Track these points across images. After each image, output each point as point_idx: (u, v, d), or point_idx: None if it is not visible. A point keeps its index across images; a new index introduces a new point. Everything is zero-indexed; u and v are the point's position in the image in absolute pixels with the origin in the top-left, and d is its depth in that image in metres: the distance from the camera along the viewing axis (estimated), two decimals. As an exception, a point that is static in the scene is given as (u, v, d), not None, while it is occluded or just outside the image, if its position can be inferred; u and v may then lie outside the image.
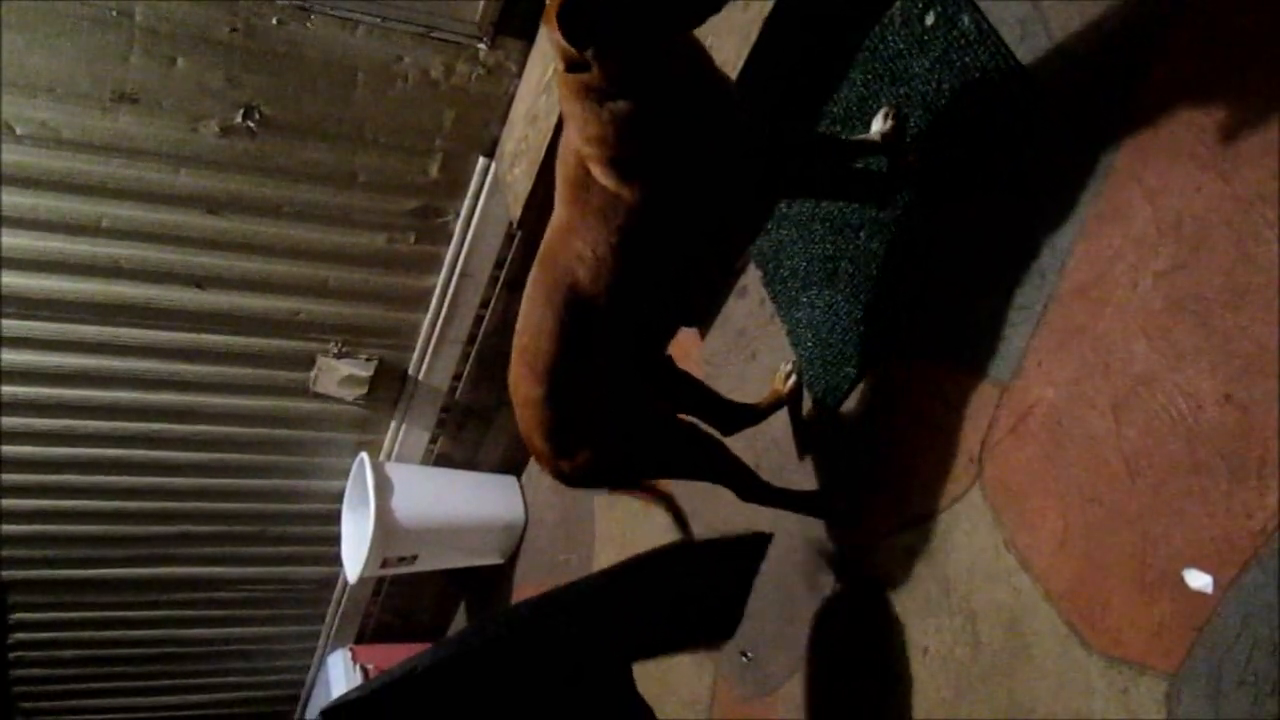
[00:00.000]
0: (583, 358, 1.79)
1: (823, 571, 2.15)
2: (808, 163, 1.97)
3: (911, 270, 1.94)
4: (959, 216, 1.85)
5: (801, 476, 2.21)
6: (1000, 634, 1.71)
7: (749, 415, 2.27)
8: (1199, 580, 1.40)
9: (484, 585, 3.97)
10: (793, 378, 2.27)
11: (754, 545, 2.18)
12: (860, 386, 2.06)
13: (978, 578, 1.76)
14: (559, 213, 1.78)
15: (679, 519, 2.29)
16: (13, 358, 3.08)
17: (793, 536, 2.21)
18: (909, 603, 1.91)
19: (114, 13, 2.51)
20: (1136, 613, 1.48)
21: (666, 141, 1.66)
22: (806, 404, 2.23)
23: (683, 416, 2.09)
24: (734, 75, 2.11)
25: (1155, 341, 1.49)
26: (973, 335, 1.79)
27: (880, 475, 2.00)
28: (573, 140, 1.69)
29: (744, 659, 2.36)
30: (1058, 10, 1.68)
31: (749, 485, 2.12)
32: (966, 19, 1.84)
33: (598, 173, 1.67)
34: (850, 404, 2.09)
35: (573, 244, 1.73)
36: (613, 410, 1.89)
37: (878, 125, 1.98)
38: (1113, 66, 1.59)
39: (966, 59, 1.84)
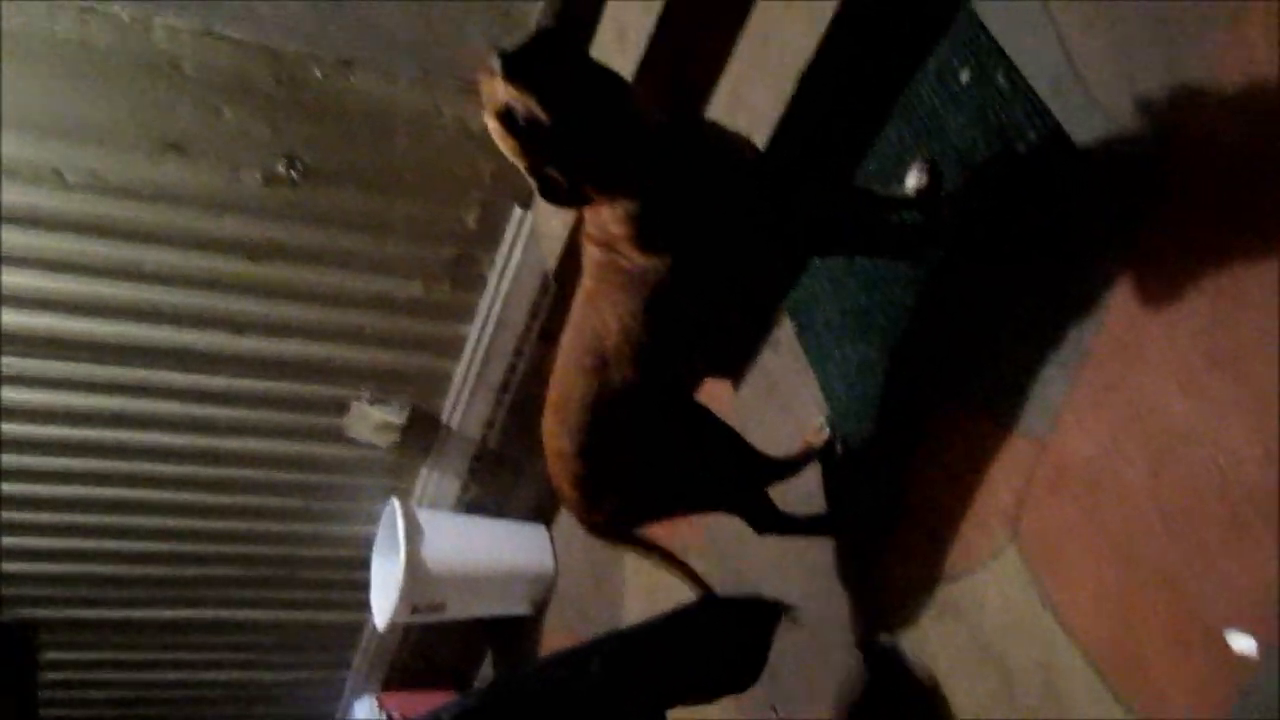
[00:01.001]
0: (610, 416, 1.84)
1: (855, 626, 2.12)
2: (839, 220, 2.00)
3: (945, 324, 1.94)
4: (993, 271, 1.85)
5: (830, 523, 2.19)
6: (1036, 693, 1.68)
7: (781, 469, 2.25)
8: (1242, 643, 1.38)
9: (512, 633, 3.95)
10: (825, 430, 2.26)
11: (773, 610, 2.19)
12: (893, 440, 2.05)
13: (1013, 636, 1.73)
14: (586, 282, 1.83)
15: (692, 576, 2.28)
16: (48, 399, 3.13)
17: (825, 590, 2.19)
18: (943, 660, 1.88)
19: (164, 65, 2.57)
20: (1177, 673, 1.46)
21: (688, 218, 1.71)
22: (838, 456, 2.22)
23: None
24: (769, 128, 2.13)
25: (1193, 397, 1.47)
26: (1007, 390, 1.78)
27: (914, 530, 1.98)
28: (596, 219, 1.73)
29: (773, 713, 2.33)
30: (1093, 66, 1.69)
31: (766, 517, 2.16)
32: (1001, 76, 1.86)
33: (624, 250, 1.71)
34: (883, 458, 2.08)
35: (600, 311, 1.79)
36: (639, 458, 1.93)
37: (912, 181, 1.99)
38: (1148, 122, 1.59)
39: (1001, 116, 1.85)
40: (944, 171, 1.96)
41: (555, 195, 1.64)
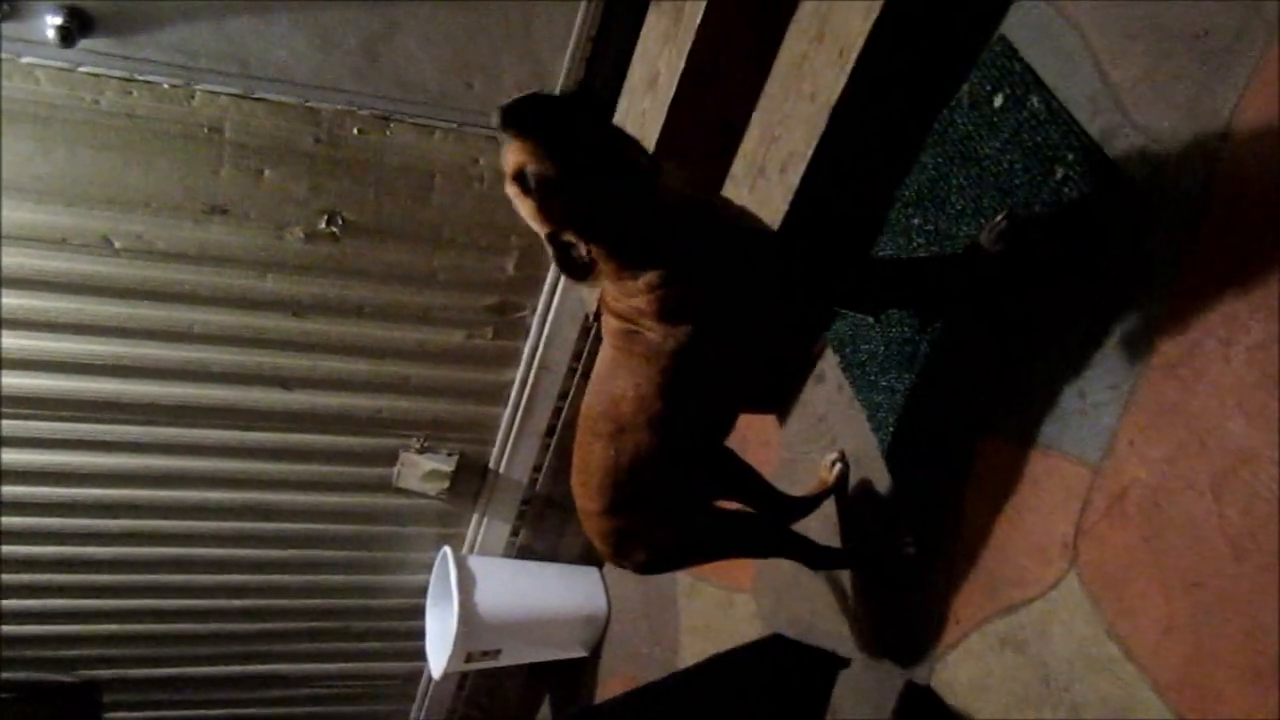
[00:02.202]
0: (630, 478, 1.86)
1: (911, 661, 2.09)
2: (858, 290, 2.03)
3: (992, 351, 1.92)
4: (1040, 296, 1.83)
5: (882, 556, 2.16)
6: (1107, 727, 1.64)
7: (799, 507, 2.29)
8: (1319, 670, 1.34)
9: (569, 677, 3.93)
10: (838, 466, 2.30)
11: (833, 660, 2.22)
12: (945, 469, 2.02)
13: (1079, 668, 1.69)
14: (605, 350, 1.85)
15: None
16: (107, 461, 3.19)
17: (879, 625, 2.16)
18: (1006, 695, 1.84)
19: (205, 130, 2.63)
20: (1252, 703, 1.41)
21: (710, 290, 1.73)
22: (883, 485, 2.19)
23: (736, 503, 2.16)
24: (803, 164, 2.13)
25: (1253, 417, 1.44)
26: (1059, 415, 1.76)
27: (968, 561, 1.95)
28: (616, 290, 1.75)
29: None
30: (1129, 86, 1.67)
31: (813, 553, 2.17)
32: (1035, 99, 1.84)
33: (644, 322, 1.73)
34: (936, 487, 2.05)
35: (618, 378, 1.81)
36: (664, 513, 1.96)
37: None
38: (1189, 141, 1.57)
39: (1038, 138, 1.83)
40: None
41: (573, 268, 1.65)
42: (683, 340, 1.73)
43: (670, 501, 1.94)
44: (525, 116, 1.53)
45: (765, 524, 2.18)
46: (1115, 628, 1.63)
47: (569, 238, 1.62)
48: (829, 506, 2.33)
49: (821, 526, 2.33)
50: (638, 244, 1.67)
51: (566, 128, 1.55)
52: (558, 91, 1.53)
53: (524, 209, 1.60)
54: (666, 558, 2.05)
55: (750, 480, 2.20)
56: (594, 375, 1.90)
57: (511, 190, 1.58)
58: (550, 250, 1.63)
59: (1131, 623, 1.61)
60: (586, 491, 1.92)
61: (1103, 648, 1.65)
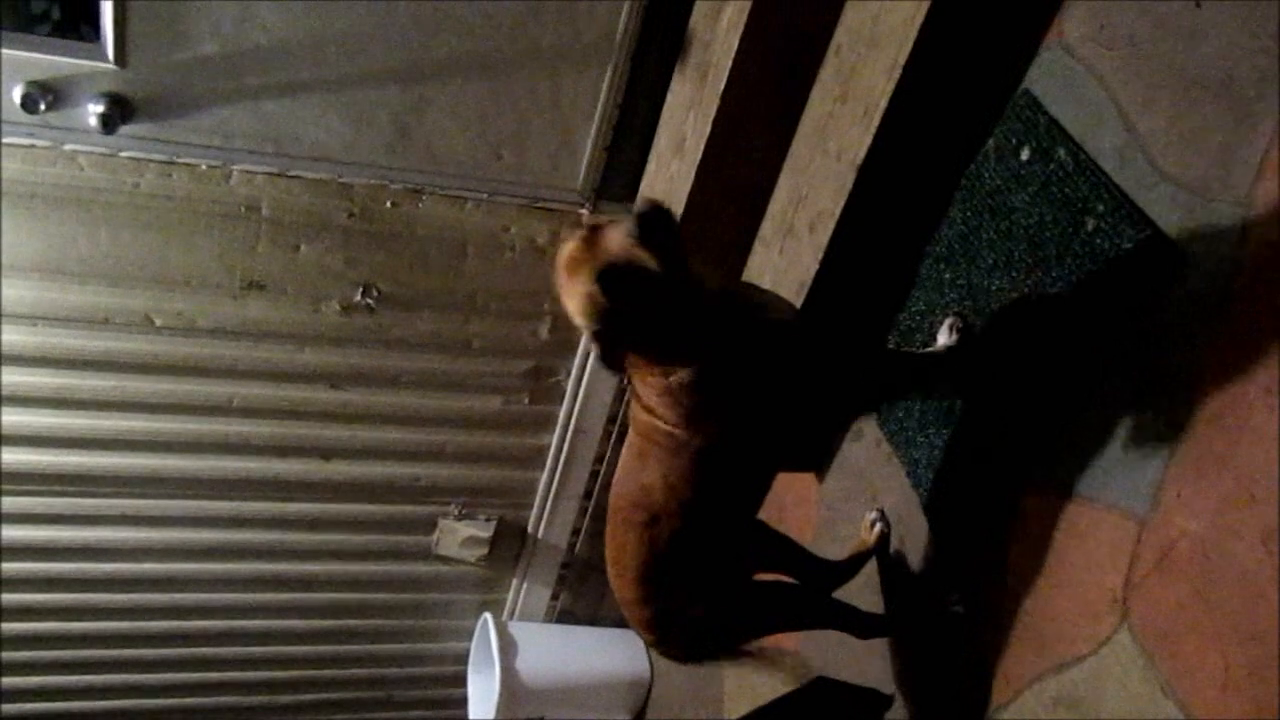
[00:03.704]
0: (666, 565, 1.87)
1: (966, 723, 2.05)
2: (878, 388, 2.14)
3: (1032, 405, 1.90)
4: (1077, 349, 1.81)
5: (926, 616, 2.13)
6: (1167, 788, 1.59)
7: (839, 571, 2.24)
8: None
9: (612, 744, 3.88)
10: (878, 526, 2.26)
11: (881, 700, 2.19)
12: (989, 523, 2.00)
13: (1136, 727, 1.66)
14: (632, 440, 1.86)
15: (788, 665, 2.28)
16: (150, 535, 3.21)
17: (928, 687, 2.12)
18: (1062, 755, 1.80)
19: (243, 208, 2.68)
20: (1318, 761, 1.37)
21: (730, 393, 1.74)
22: (925, 543, 2.16)
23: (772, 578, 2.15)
24: (832, 224, 2.14)
25: (1302, 466, 1.42)
26: (1104, 468, 1.73)
27: (1016, 617, 1.91)
28: (645, 387, 1.76)
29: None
30: (1156, 135, 1.68)
31: (859, 622, 2.15)
32: (1062, 151, 1.85)
33: (668, 427, 1.75)
34: (980, 543, 2.02)
35: (648, 469, 1.81)
36: (703, 595, 1.95)
37: (943, 338, 2.05)
38: (1221, 186, 1.57)
39: (1067, 190, 1.83)
40: (974, 324, 2.02)
41: (615, 364, 1.68)
42: (710, 439, 1.75)
43: (708, 582, 1.94)
44: (658, 231, 1.53)
45: (807, 595, 2.15)
46: (1172, 684, 1.60)
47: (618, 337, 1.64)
48: (871, 569, 2.30)
49: (864, 588, 2.30)
50: (675, 348, 1.69)
51: (678, 250, 1.56)
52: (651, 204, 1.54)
53: (575, 300, 1.59)
54: (709, 641, 2.05)
55: (786, 549, 2.18)
56: (621, 464, 1.91)
57: (589, 287, 1.56)
58: (595, 345, 1.63)
59: (1189, 679, 1.57)
60: (624, 582, 1.93)
61: (1159, 705, 1.61)
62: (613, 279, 1.54)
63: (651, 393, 1.73)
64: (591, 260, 1.55)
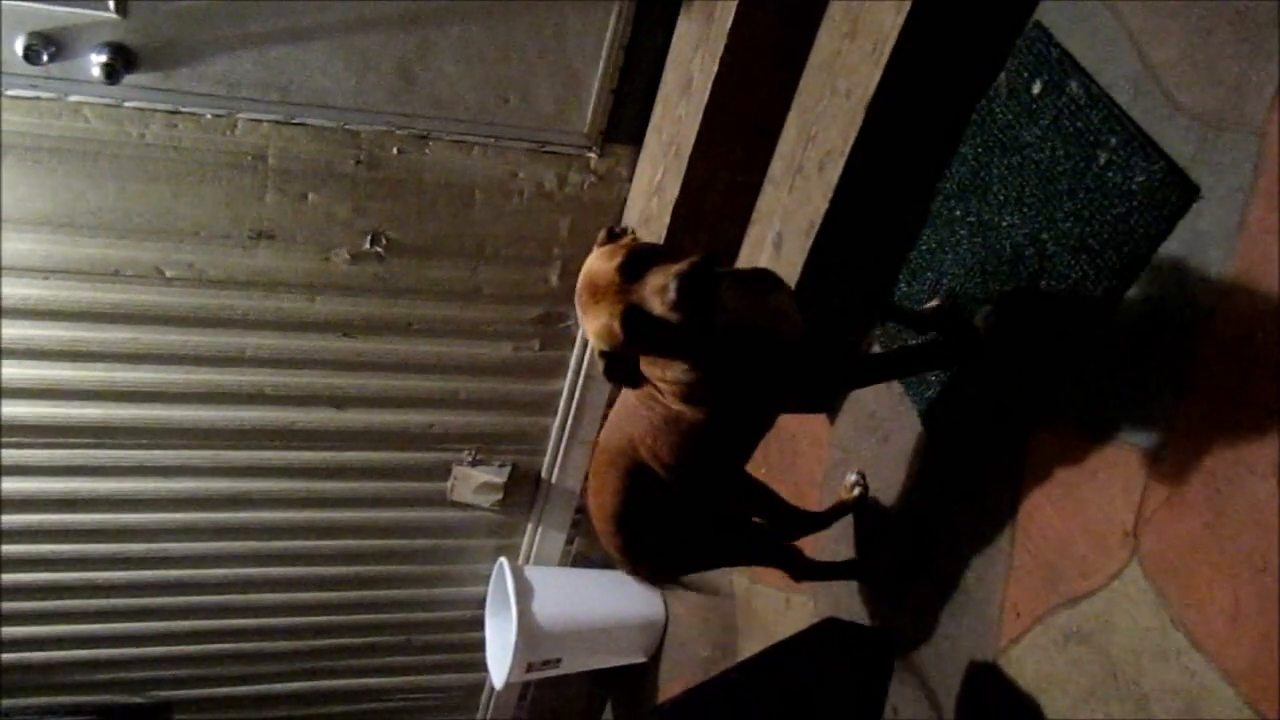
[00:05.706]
0: (642, 507, 1.98)
1: (974, 659, 2.07)
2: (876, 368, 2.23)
3: (1040, 343, 1.90)
4: (1087, 289, 1.80)
5: (938, 554, 2.15)
6: (1178, 718, 1.61)
7: (813, 522, 2.40)
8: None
9: (630, 683, 3.93)
10: (858, 488, 2.39)
11: (888, 639, 2.28)
12: (999, 461, 2.00)
13: (1145, 659, 1.67)
14: (627, 396, 1.89)
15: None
16: (169, 485, 3.24)
17: (940, 625, 2.14)
18: (1072, 688, 1.82)
19: (249, 157, 2.67)
20: (1326, 690, 1.38)
21: (729, 388, 1.78)
22: (938, 482, 2.17)
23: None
24: (841, 162, 2.12)
25: (1314, 399, 1.41)
26: (1115, 403, 1.73)
27: (1027, 553, 1.93)
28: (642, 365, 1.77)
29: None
30: (1170, 66, 1.65)
31: (798, 566, 2.33)
32: (1074, 84, 1.82)
33: (668, 400, 1.79)
34: (990, 480, 2.03)
35: (637, 426, 1.87)
36: (671, 536, 2.10)
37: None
38: (1236, 116, 1.55)
39: (1079, 124, 1.81)
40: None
41: (621, 377, 1.70)
42: (698, 419, 1.80)
43: (679, 526, 2.07)
44: (696, 295, 1.49)
45: (764, 537, 2.31)
46: (1181, 617, 1.61)
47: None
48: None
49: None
50: (680, 359, 1.72)
51: (710, 305, 1.55)
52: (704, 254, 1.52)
53: (592, 323, 1.58)
54: (672, 569, 2.45)
55: (763, 498, 2.31)
56: (615, 409, 1.98)
57: (610, 322, 1.54)
58: (601, 363, 1.65)
59: (1198, 611, 1.58)
60: (600, 514, 2.04)
61: (1169, 637, 1.62)
62: (635, 325, 1.52)
63: (653, 370, 1.75)
64: (621, 294, 1.52)
